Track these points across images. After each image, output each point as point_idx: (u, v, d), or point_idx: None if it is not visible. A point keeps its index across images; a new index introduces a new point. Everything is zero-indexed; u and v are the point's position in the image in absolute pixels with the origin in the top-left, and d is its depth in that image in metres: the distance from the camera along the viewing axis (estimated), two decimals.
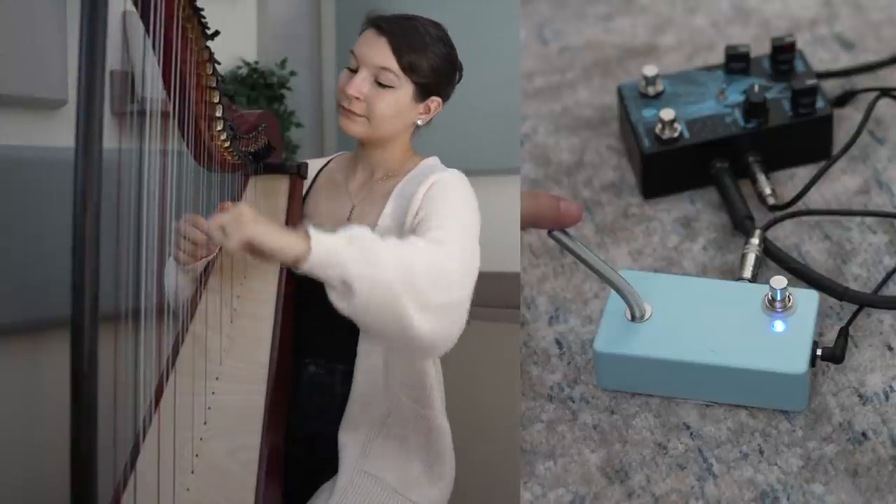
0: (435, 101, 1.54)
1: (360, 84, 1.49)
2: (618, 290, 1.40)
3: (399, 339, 1.31)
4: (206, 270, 1.55)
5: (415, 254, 1.31)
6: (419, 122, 1.55)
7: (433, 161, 1.58)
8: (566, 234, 1.35)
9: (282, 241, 1.25)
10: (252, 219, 1.24)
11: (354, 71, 1.50)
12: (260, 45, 2.72)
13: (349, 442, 1.48)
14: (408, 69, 1.49)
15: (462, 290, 1.35)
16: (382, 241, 1.29)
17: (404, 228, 1.45)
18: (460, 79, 1.59)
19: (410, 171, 1.54)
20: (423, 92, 1.52)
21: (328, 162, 1.66)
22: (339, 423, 1.49)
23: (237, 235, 1.23)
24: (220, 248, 1.54)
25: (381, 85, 1.49)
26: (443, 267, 1.32)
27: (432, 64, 1.51)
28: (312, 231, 1.25)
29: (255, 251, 1.25)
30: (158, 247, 1.31)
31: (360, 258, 1.25)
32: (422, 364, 1.51)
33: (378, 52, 1.49)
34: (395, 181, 1.54)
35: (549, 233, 1.35)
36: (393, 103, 1.49)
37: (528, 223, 1.36)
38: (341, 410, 1.49)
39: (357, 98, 1.49)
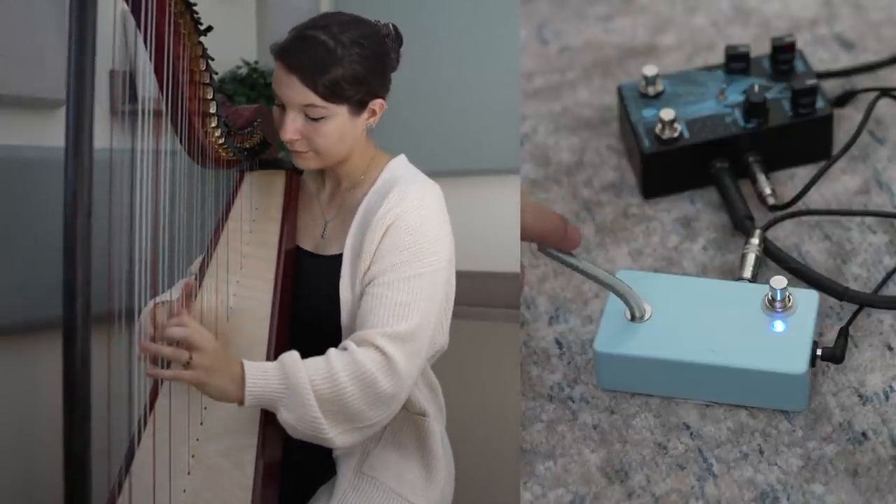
0: (377, 104, 1.47)
1: (293, 126, 1.43)
2: (617, 293, 1.40)
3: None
4: (202, 269, 1.54)
5: (348, 383, 1.34)
6: (371, 125, 1.49)
7: (397, 167, 1.52)
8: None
9: (221, 391, 1.33)
10: (209, 365, 1.31)
11: (283, 107, 1.45)
12: (260, 45, 2.72)
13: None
14: (330, 97, 1.42)
15: (391, 408, 1.39)
16: (316, 381, 1.34)
17: (359, 268, 1.44)
18: (401, 44, 1.51)
19: (375, 182, 1.51)
20: (359, 105, 1.45)
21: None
22: None
23: (188, 378, 1.31)
24: (213, 255, 1.54)
25: (313, 119, 1.43)
26: (377, 391, 1.36)
27: (354, 75, 1.42)
28: (248, 380, 1.33)
29: None
30: (152, 246, 1.30)
31: (289, 406, 1.34)
32: None
33: (294, 91, 1.42)
34: (361, 193, 1.51)
35: (542, 248, 1.36)
36: (332, 131, 1.44)
37: (532, 238, 1.36)
38: None
39: (296, 139, 1.46)
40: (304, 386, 1.33)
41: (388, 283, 1.40)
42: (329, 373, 1.34)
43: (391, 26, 1.50)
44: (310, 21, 1.49)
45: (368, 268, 1.42)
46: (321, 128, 1.44)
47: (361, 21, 1.47)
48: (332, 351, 1.37)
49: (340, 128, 1.45)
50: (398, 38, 1.51)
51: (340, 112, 1.44)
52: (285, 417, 1.34)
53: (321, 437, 1.35)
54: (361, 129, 1.48)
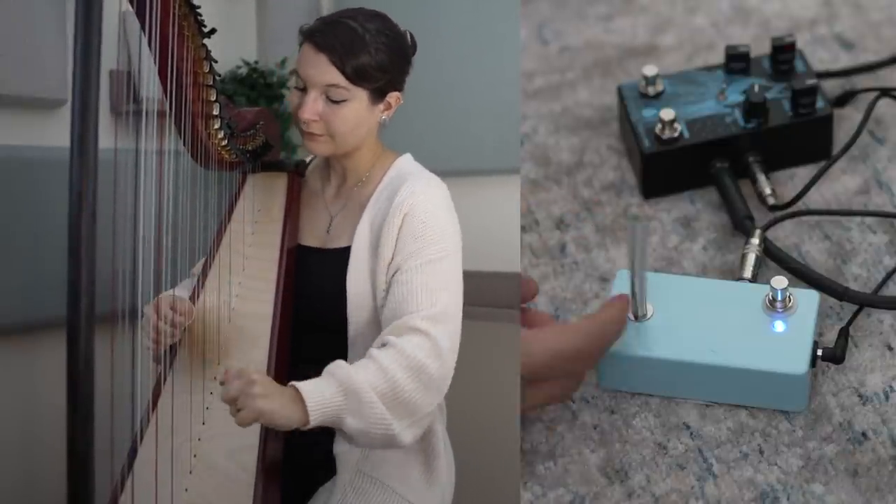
0: (394, 96, 1.51)
1: (313, 106, 1.46)
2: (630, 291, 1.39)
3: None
4: (205, 271, 1.54)
5: (400, 373, 1.35)
6: (384, 118, 1.52)
7: (405, 164, 1.55)
8: None
9: (283, 414, 1.29)
10: (261, 392, 1.27)
11: (303, 90, 1.47)
12: (260, 45, 2.72)
13: (347, 446, 1.47)
14: (355, 79, 1.45)
15: (442, 392, 1.41)
16: (371, 381, 1.33)
17: (379, 257, 1.45)
18: (414, 52, 1.54)
19: (383, 179, 1.53)
20: (379, 94, 1.48)
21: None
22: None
23: (248, 415, 1.27)
24: (215, 257, 1.54)
25: (333, 101, 1.46)
26: (429, 375, 1.37)
27: (379, 63, 1.46)
28: (306, 396, 1.30)
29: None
30: (155, 246, 1.31)
31: (354, 411, 1.32)
32: None
33: (321, 70, 1.45)
34: (368, 189, 1.52)
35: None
36: (350, 116, 1.47)
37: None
38: None
39: (314, 120, 1.47)
40: (363, 388, 1.32)
41: (414, 269, 1.42)
42: (379, 369, 1.34)
43: (409, 34, 1.53)
44: (335, 12, 1.52)
45: (392, 258, 1.44)
46: (340, 111, 1.46)
47: (384, 16, 1.51)
48: (372, 350, 1.37)
49: (358, 113, 1.47)
50: (413, 46, 1.53)
51: (361, 97, 1.46)
52: (351, 425, 1.33)
53: (389, 434, 1.34)
54: (376, 120, 1.51)
